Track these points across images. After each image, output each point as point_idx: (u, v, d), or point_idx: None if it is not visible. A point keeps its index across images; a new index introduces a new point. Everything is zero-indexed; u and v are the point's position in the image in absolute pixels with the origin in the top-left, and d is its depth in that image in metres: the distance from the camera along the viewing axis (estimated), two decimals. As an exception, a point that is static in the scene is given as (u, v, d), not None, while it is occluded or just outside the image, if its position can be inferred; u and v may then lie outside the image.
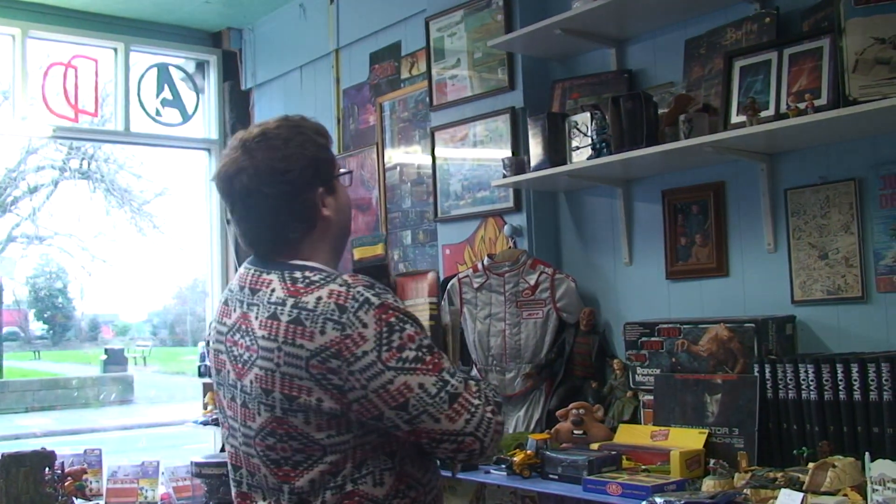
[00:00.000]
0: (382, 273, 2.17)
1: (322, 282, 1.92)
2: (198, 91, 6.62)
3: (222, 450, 4.88)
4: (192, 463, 4.28)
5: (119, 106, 6.15)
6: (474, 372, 3.96)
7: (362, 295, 1.87)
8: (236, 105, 6.50)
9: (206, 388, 6.13)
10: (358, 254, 2.23)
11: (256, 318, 1.94)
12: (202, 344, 6.31)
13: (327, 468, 1.90)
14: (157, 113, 6.36)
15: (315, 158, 2.04)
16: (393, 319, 1.87)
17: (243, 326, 1.98)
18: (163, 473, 4.98)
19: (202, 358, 6.17)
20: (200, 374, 6.12)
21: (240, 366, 1.97)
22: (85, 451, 5.00)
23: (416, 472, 1.99)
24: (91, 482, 4.87)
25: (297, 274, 1.96)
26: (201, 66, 6.64)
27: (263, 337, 1.91)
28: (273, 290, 1.95)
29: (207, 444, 5.98)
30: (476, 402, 1.90)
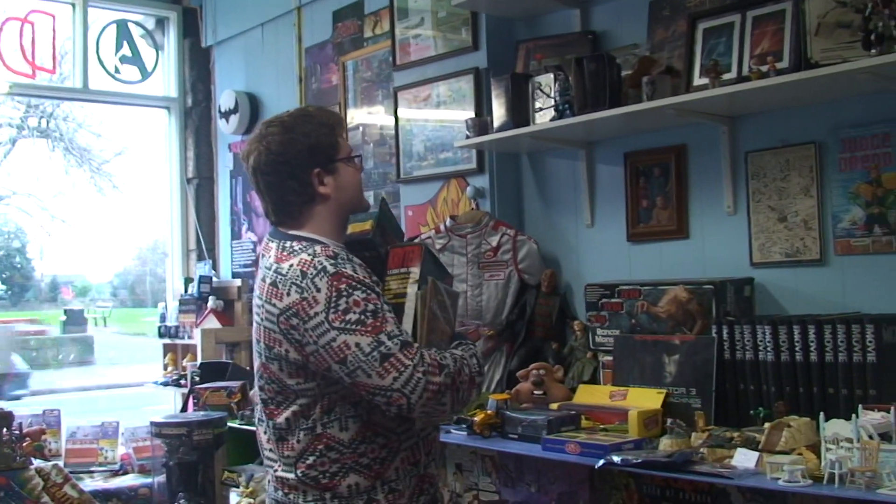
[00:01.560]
0: (366, 246, 2.41)
1: (299, 251, 2.26)
2: (157, 48, 6.53)
3: (182, 410, 4.87)
4: (151, 423, 4.26)
5: (77, 63, 6.04)
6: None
7: (321, 264, 2.19)
8: (196, 62, 6.41)
9: (167, 349, 6.10)
10: (350, 229, 2.45)
11: (261, 280, 2.31)
12: (162, 305, 6.27)
13: (299, 409, 2.25)
14: (116, 70, 6.26)
15: (314, 144, 2.35)
16: (343, 286, 2.17)
17: (257, 289, 2.35)
18: (122, 434, 4.96)
19: (162, 318, 6.13)
20: (160, 335, 6.09)
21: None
22: (44, 411, 4.97)
23: (387, 422, 2.26)
24: (50, 443, 4.84)
25: (288, 243, 2.31)
26: (161, 23, 6.53)
27: (258, 296, 2.31)
28: (270, 257, 2.31)
29: (167, 405, 5.96)
30: (408, 362, 2.13)
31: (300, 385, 2.24)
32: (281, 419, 2.27)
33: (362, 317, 2.15)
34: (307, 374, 2.23)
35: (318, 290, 2.16)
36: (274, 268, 2.25)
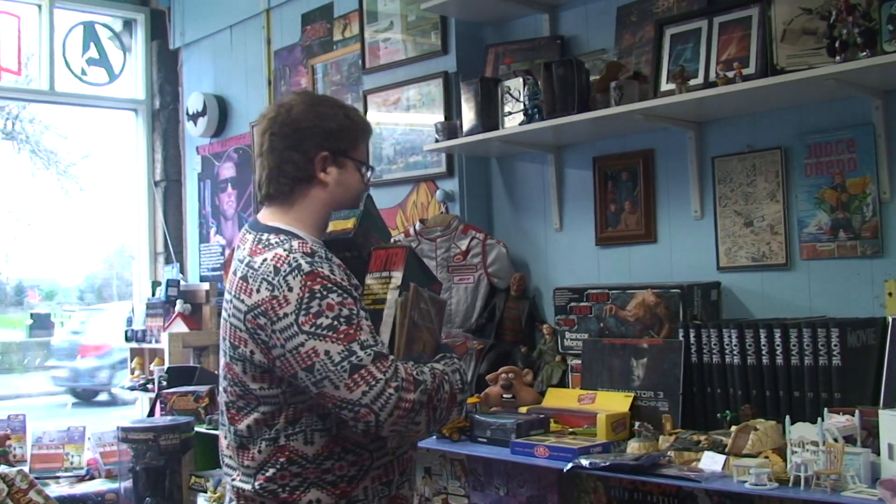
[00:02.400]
0: (346, 246, 2.22)
1: (275, 245, 2.11)
2: (125, 50, 6.48)
3: (149, 414, 4.84)
4: (118, 428, 4.23)
5: (43, 65, 5.98)
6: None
7: (296, 261, 2.04)
8: (164, 65, 6.37)
9: (134, 353, 6.05)
10: (331, 226, 2.28)
11: (232, 273, 2.18)
12: (129, 309, 6.22)
13: (261, 417, 2.10)
14: (83, 72, 6.20)
15: (331, 129, 2.26)
16: (318, 287, 2.02)
17: (227, 283, 2.22)
18: (89, 439, 4.92)
19: (129, 322, 6.09)
20: (127, 340, 6.04)
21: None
22: (9, 416, 4.91)
23: (358, 437, 2.11)
24: (15, 448, 4.80)
25: (264, 236, 2.16)
26: (129, 25, 6.48)
27: (227, 290, 2.17)
28: (244, 249, 2.17)
29: (135, 410, 5.91)
30: (380, 376, 1.97)
31: (263, 391, 2.10)
32: (242, 426, 2.14)
33: (335, 322, 2.00)
34: (272, 380, 2.08)
35: (290, 290, 2.01)
36: (246, 261, 2.12)
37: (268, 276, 2.05)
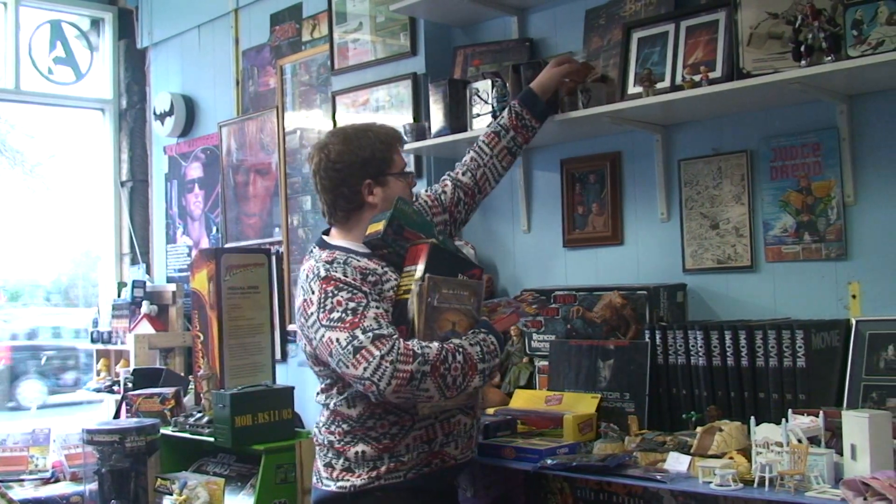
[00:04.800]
0: (381, 245, 2.64)
1: (311, 257, 2.65)
2: (92, 49, 6.43)
3: (115, 416, 4.80)
4: (83, 430, 4.19)
5: (9, 63, 5.93)
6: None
7: (318, 269, 2.54)
8: (132, 64, 6.33)
9: (100, 354, 6.00)
10: (368, 229, 2.67)
11: None
12: (95, 309, 6.17)
13: (325, 388, 2.68)
14: (50, 71, 6.16)
15: (368, 158, 2.70)
16: (331, 288, 2.49)
17: None
18: (54, 441, 4.86)
19: (95, 324, 6.03)
20: (93, 341, 5.99)
21: None
22: (-29, 418, 4.85)
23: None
24: (-22, 450, 4.73)
25: (317, 250, 2.69)
26: (96, 24, 6.44)
27: None
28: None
29: (101, 411, 5.86)
30: (377, 353, 2.37)
31: (321, 371, 2.65)
32: (320, 395, 2.71)
33: (343, 315, 2.44)
34: (321, 363, 2.61)
35: (313, 293, 2.51)
36: (301, 270, 2.64)
37: (303, 283, 2.58)
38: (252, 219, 5.36)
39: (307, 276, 2.56)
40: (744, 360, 2.86)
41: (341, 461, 2.62)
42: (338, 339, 2.42)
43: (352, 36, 4.40)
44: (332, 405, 2.64)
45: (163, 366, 5.40)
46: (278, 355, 4.85)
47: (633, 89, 3.25)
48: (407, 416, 2.57)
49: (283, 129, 5.06)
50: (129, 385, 4.86)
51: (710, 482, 2.40)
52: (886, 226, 2.89)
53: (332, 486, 2.64)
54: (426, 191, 3.10)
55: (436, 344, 2.45)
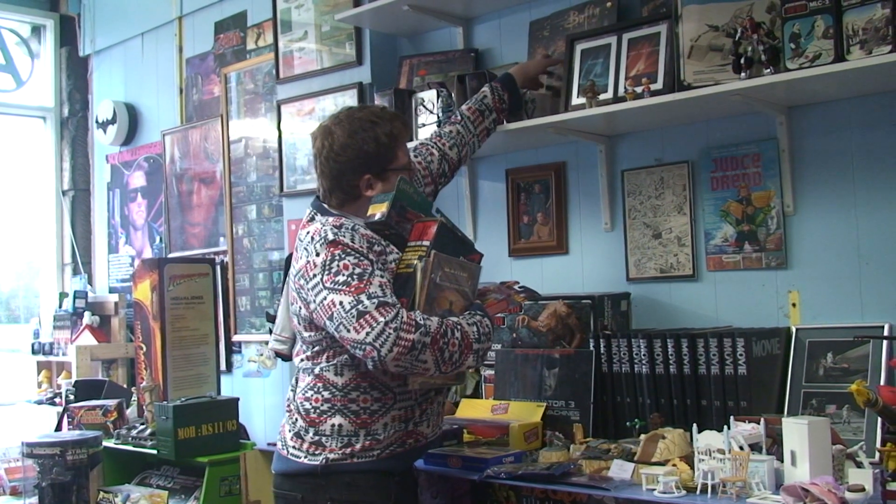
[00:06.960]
0: (384, 226, 2.61)
1: (317, 220, 2.61)
2: (33, 56, 6.35)
3: (56, 429, 4.73)
4: (23, 443, 4.13)
5: (-54, 69, 5.84)
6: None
7: (326, 232, 2.51)
8: (74, 71, 6.26)
9: (41, 365, 5.91)
10: (370, 210, 2.66)
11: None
12: (35, 320, 6.07)
13: (312, 355, 2.63)
14: (-11, 78, 6.08)
15: (369, 153, 2.68)
16: (338, 252, 2.47)
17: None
18: (-8, 454, 4.78)
19: (36, 335, 5.94)
20: (34, 352, 5.89)
21: None
22: None
23: (387, 379, 2.57)
24: (-86, 465, 4.64)
25: (319, 216, 2.67)
26: (37, 31, 6.35)
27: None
28: (303, 224, 2.71)
29: (41, 425, 5.76)
30: (381, 319, 2.37)
31: (311, 336, 2.60)
32: (297, 360, 2.70)
33: (349, 279, 2.43)
34: (313, 328, 2.58)
35: (318, 255, 2.49)
36: (299, 234, 2.62)
37: (307, 245, 2.53)
38: (196, 228, 5.31)
39: (312, 238, 2.52)
40: (686, 368, 2.89)
41: (311, 433, 2.59)
42: (341, 303, 2.41)
43: (297, 45, 4.39)
44: (317, 370, 2.60)
45: (105, 377, 5.33)
46: (223, 366, 4.82)
47: (576, 100, 3.28)
48: (390, 394, 2.58)
49: (228, 137, 5.02)
50: (71, 397, 4.80)
51: (654, 489, 2.43)
52: (825, 235, 2.95)
53: (302, 458, 2.60)
54: (415, 156, 3.07)
55: (436, 318, 2.45)
